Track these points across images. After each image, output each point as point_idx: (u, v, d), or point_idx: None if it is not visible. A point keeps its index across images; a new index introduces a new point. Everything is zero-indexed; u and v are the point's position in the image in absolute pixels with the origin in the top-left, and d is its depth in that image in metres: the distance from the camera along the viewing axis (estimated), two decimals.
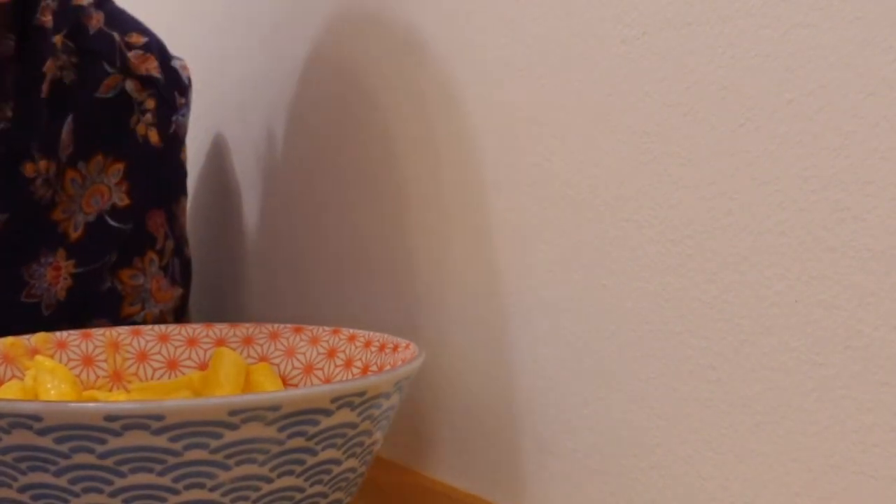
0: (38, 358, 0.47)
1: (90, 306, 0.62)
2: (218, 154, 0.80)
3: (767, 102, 0.37)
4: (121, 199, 0.61)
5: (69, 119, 0.60)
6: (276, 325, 0.51)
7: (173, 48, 0.66)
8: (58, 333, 0.49)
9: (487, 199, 0.50)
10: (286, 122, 0.69)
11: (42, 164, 0.58)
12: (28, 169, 0.58)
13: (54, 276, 0.60)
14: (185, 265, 0.67)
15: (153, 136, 0.62)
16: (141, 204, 0.62)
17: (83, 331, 0.50)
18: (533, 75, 0.47)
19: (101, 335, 0.50)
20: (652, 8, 0.41)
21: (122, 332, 0.51)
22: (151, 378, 0.50)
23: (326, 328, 0.50)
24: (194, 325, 0.51)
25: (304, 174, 0.67)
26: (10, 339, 0.47)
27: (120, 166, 0.61)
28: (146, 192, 0.63)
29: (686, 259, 0.40)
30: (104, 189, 0.61)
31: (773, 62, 0.36)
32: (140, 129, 0.62)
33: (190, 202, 0.69)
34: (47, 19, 0.57)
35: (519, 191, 0.48)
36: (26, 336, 0.48)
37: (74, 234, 0.60)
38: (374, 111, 0.59)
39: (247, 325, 0.51)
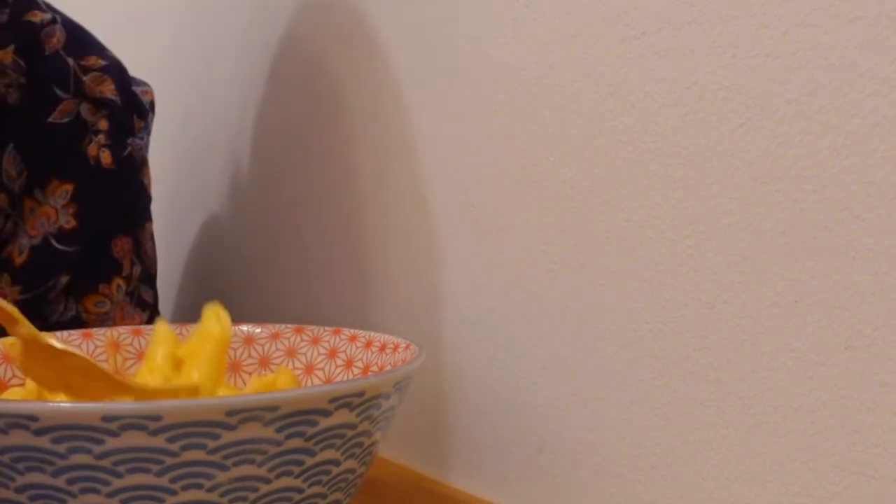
0: None
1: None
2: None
3: (767, 102, 0.37)
4: (67, 222, 0.58)
5: (11, 147, 0.57)
6: (277, 326, 0.51)
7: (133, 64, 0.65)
8: (58, 333, 0.49)
9: (487, 199, 0.50)
10: (278, 123, 0.69)
11: None
12: None
13: None
14: (153, 290, 0.65)
15: (105, 158, 0.60)
16: (90, 227, 0.59)
17: (84, 331, 0.50)
18: (533, 75, 0.47)
19: (101, 335, 0.50)
20: (652, 8, 0.41)
21: (122, 331, 0.50)
22: None
23: (328, 329, 0.50)
24: (194, 326, 0.51)
25: (302, 175, 0.67)
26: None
27: (68, 188, 0.59)
28: (98, 215, 0.60)
29: (686, 259, 0.40)
30: (50, 211, 0.58)
31: (773, 62, 0.36)
32: (91, 150, 0.60)
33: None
34: None
35: (519, 191, 0.48)
36: None
37: (19, 259, 0.58)
38: (364, 108, 0.59)
39: (247, 325, 0.51)
